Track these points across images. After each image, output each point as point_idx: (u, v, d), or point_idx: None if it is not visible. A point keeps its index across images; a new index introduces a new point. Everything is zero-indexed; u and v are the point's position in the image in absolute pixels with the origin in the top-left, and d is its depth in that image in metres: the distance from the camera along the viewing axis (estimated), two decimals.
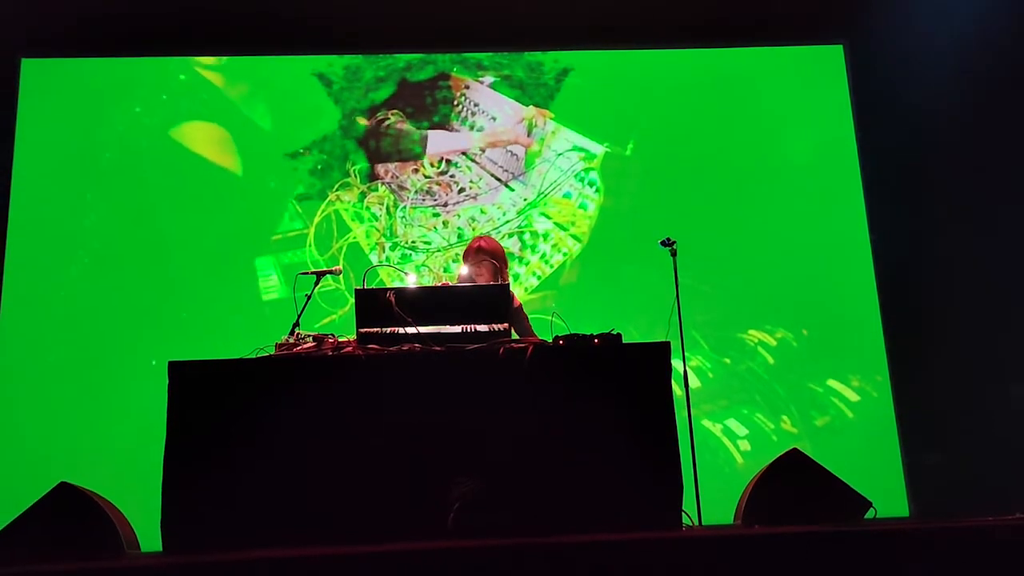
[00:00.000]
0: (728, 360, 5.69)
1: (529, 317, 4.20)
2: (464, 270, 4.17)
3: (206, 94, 5.92)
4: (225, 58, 5.97)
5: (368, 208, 5.80)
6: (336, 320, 5.47)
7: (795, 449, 3.40)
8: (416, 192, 5.84)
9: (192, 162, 5.80)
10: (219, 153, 5.83)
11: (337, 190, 5.81)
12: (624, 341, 3.33)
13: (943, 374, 5.55)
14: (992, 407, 5.42)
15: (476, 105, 5.98)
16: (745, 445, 5.53)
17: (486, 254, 4.16)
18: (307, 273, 3.92)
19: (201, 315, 5.55)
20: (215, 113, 5.90)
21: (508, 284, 3.65)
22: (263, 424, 3.13)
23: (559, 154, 5.94)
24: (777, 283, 5.79)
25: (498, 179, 5.88)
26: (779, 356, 5.71)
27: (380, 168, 5.85)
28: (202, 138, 5.84)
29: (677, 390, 3.43)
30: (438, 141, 5.91)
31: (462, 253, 4.32)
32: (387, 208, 5.80)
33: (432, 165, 5.88)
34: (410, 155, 5.87)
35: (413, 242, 5.74)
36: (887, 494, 5.27)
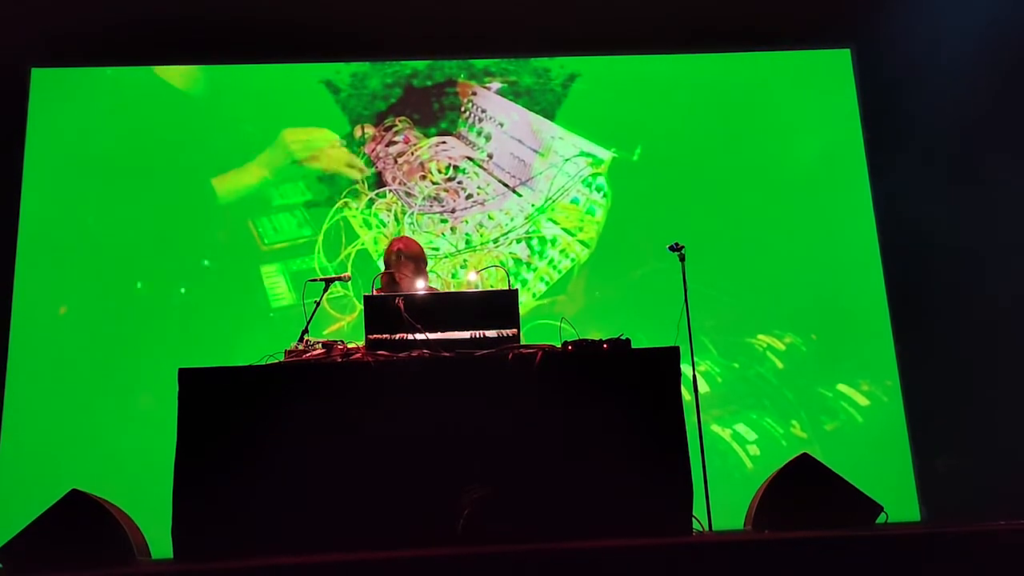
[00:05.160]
0: (737, 365, 5.68)
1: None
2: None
3: (214, 102, 5.95)
4: (234, 66, 5.99)
5: (376, 215, 5.81)
6: (345, 327, 5.49)
7: (805, 454, 3.39)
8: (424, 198, 5.85)
9: (201, 170, 5.82)
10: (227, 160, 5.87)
11: (345, 197, 5.82)
12: (633, 346, 3.34)
13: (953, 378, 5.53)
14: (1002, 411, 5.40)
15: (483, 111, 5.99)
16: (755, 450, 5.51)
17: (407, 256, 4.18)
18: (316, 280, 3.93)
19: (211, 322, 5.57)
20: (223, 121, 5.92)
21: (517, 289, 3.64)
22: (273, 431, 3.14)
23: (566, 159, 5.94)
24: (786, 288, 5.78)
25: (506, 185, 5.89)
26: (788, 361, 5.69)
27: (388, 175, 5.87)
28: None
29: (686, 395, 3.42)
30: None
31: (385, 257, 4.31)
32: (395, 215, 5.82)
33: (439, 171, 5.89)
34: (417, 163, 5.89)
35: None
36: (898, 498, 5.25)
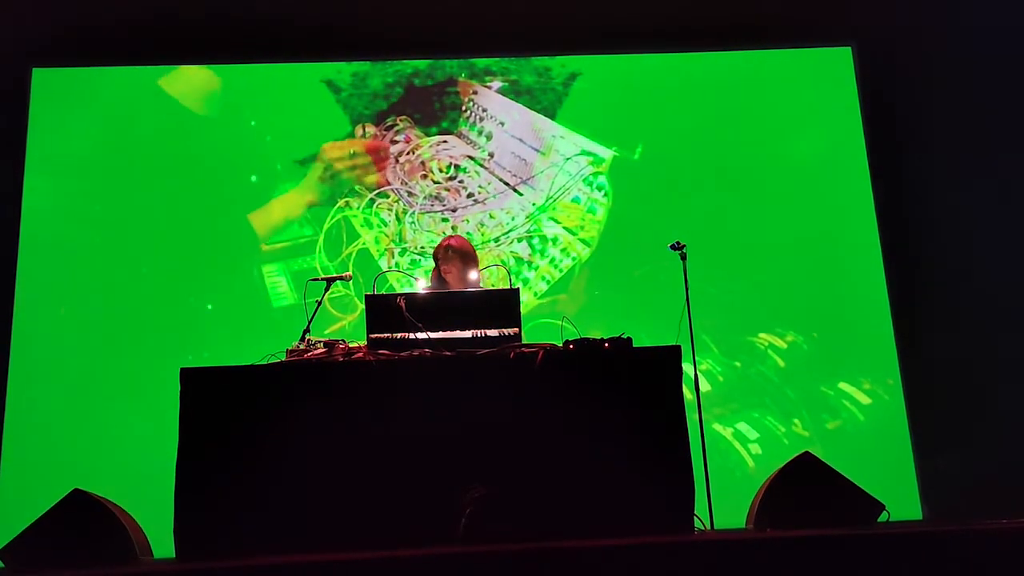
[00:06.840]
0: (738, 363, 5.67)
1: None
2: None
3: (216, 101, 5.95)
4: (235, 65, 5.99)
5: (377, 214, 5.81)
6: (346, 326, 5.49)
7: (807, 452, 3.39)
8: (425, 198, 5.85)
9: (203, 170, 5.82)
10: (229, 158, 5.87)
11: (346, 196, 5.82)
12: (634, 345, 3.33)
13: (955, 377, 5.53)
14: (1004, 409, 5.40)
15: (484, 110, 5.99)
16: (756, 448, 5.51)
17: (456, 253, 4.21)
18: (318, 279, 3.93)
19: (212, 322, 5.57)
20: (225, 121, 5.92)
21: (518, 288, 3.65)
22: (275, 430, 3.14)
23: (567, 158, 5.94)
24: (787, 286, 5.77)
25: (506, 184, 5.89)
26: (789, 359, 5.69)
27: (389, 174, 5.87)
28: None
29: (687, 393, 3.42)
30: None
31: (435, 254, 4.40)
32: (396, 214, 5.82)
33: (440, 171, 5.89)
34: (418, 162, 5.89)
35: (422, 248, 5.75)
36: (899, 497, 5.23)
